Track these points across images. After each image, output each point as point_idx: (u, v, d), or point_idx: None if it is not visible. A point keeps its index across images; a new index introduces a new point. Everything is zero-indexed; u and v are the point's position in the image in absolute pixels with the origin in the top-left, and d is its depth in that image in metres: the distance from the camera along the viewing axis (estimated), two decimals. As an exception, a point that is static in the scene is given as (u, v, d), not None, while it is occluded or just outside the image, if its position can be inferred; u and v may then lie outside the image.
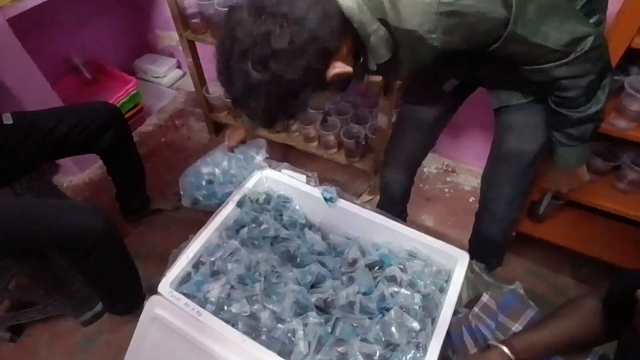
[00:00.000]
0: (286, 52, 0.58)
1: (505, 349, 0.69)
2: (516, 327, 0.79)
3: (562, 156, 0.87)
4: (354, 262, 1.03)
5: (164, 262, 1.01)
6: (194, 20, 1.50)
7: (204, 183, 1.34)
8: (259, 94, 0.62)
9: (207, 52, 1.74)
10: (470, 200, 1.64)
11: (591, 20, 0.78)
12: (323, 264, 1.02)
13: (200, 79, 1.73)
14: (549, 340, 0.70)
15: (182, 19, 1.51)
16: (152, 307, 0.90)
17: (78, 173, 1.79)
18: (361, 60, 0.74)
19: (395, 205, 1.33)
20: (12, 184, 1.07)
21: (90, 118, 1.13)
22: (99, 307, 1.28)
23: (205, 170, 1.37)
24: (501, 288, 0.97)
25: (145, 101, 2.05)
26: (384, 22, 0.66)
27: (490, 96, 0.94)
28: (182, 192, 1.40)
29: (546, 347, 0.70)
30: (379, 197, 1.63)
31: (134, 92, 1.88)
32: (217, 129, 1.96)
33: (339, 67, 0.65)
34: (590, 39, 0.67)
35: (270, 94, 0.62)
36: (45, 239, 0.93)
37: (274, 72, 0.59)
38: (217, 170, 1.37)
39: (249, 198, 1.14)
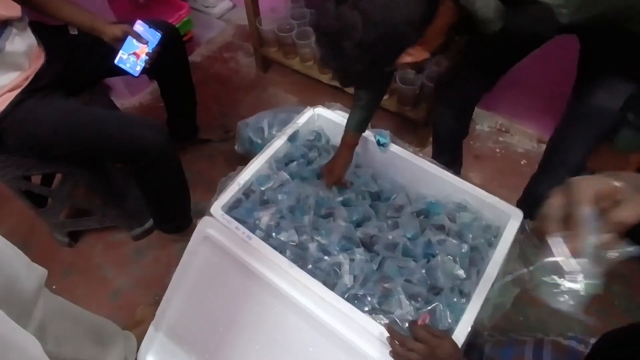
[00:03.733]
0: (355, 48, 0.61)
1: None
2: None
3: (623, 137, 0.82)
4: (400, 208, 1.03)
5: (209, 190, 1.04)
6: (254, -57, 1.42)
7: (260, 135, 1.34)
8: (331, 67, 0.69)
9: (263, -20, 1.66)
10: (522, 162, 1.57)
11: None
12: (370, 205, 1.02)
13: (254, 9, 1.67)
14: None
15: (242, -59, 1.43)
16: (205, 227, 0.94)
17: (129, 97, 1.83)
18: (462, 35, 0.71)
19: (444, 151, 1.29)
20: (77, 95, 1.11)
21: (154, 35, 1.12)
22: (149, 224, 1.35)
23: (263, 122, 1.37)
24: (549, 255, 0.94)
25: (195, 31, 2.02)
26: None
27: (586, 46, 0.86)
28: (237, 139, 1.42)
29: None
30: (426, 149, 1.60)
31: (186, 18, 1.84)
32: (266, 65, 1.92)
33: (412, 56, 0.64)
34: None
35: (338, 69, 0.69)
36: (112, 148, 0.97)
37: (342, 65, 0.65)
38: (275, 123, 1.36)
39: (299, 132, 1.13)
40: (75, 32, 1.07)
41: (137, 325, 1.10)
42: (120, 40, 1.04)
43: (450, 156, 1.30)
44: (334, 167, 1.04)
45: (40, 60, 1.00)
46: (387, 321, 0.78)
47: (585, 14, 0.61)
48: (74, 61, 1.07)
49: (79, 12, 1.02)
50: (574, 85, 0.91)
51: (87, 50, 1.09)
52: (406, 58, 0.64)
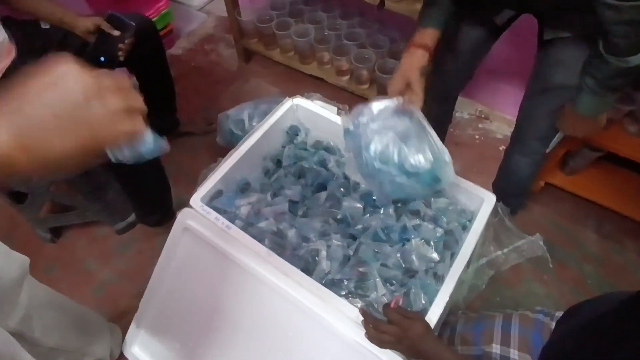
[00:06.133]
0: None
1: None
2: None
3: (586, 102, 0.84)
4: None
5: (192, 183, 1.05)
6: None
7: (241, 126, 1.35)
8: None
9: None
10: (500, 148, 1.60)
11: None
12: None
13: (232, 0, 1.66)
14: None
15: None
16: (184, 218, 0.95)
17: (109, 91, 1.81)
18: None
19: None
20: (52, 90, 1.10)
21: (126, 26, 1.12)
22: (132, 217, 1.35)
23: (243, 114, 1.38)
24: (522, 237, 0.98)
25: (175, 23, 2.00)
26: None
27: (543, 27, 0.89)
28: (218, 132, 1.42)
29: None
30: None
31: (165, 11, 1.83)
32: (247, 56, 1.92)
33: None
34: None
35: None
36: None
37: None
38: (255, 115, 1.37)
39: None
40: (47, 27, 1.06)
41: (122, 318, 1.11)
42: (93, 34, 1.03)
43: None
44: (397, 73, 0.81)
45: (11, 56, 0.99)
46: (363, 304, 0.80)
47: None
48: (46, 55, 1.06)
49: (49, 6, 1.01)
50: (535, 62, 0.94)
51: (59, 44, 1.08)
52: None
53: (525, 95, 1.01)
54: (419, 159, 0.72)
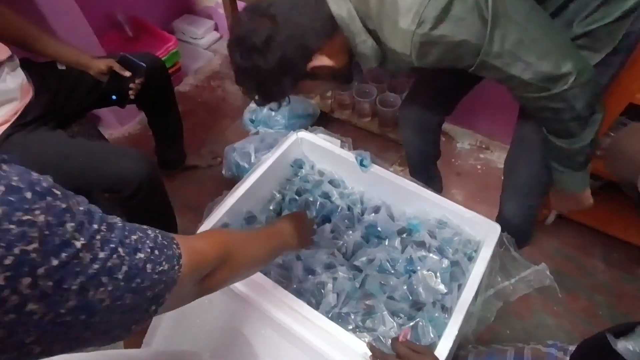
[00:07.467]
0: (264, 45, 0.67)
1: None
2: None
3: (559, 180, 0.85)
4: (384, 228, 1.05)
5: (198, 215, 1.06)
6: (236, -22, 1.50)
7: (247, 159, 1.38)
8: (246, 79, 0.73)
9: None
10: (502, 178, 1.61)
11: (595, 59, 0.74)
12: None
13: (238, 39, 1.73)
14: None
15: (225, -24, 1.51)
16: (191, 251, 0.95)
17: (118, 127, 1.86)
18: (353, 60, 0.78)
19: (419, 172, 1.32)
20: (65, 127, 1.14)
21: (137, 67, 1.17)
22: (137, 251, 1.36)
23: (250, 147, 1.41)
24: (527, 266, 0.97)
25: (183, 61, 2.08)
26: (374, 33, 0.71)
27: None
28: (224, 164, 1.45)
29: None
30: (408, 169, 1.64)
31: (174, 50, 1.90)
32: (252, 92, 1.98)
33: (319, 61, 0.71)
34: (571, 78, 0.65)
35: (252, 80, 0.73)
36: (96, 178, 1.00)
37: (254, 63, 0.69)
38: (261, 148, 1.41)
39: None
40: (64, 67, 1.11)
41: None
42: (105, 74, 1.09)
43: (425, 175, 1.34)
44: None
45: (28, 96, 1.03)
46: (371, 338, 0.79)
47: (426, 62, 0.70)
48: (61, 94, 1.11)
49: (65, 49, 1.07)
50: (519, 110, 0.95)
51: (73, 84, 1.13)
52: (313, 62, 0.71)
53: (511, 143, 1.00)
54: None
